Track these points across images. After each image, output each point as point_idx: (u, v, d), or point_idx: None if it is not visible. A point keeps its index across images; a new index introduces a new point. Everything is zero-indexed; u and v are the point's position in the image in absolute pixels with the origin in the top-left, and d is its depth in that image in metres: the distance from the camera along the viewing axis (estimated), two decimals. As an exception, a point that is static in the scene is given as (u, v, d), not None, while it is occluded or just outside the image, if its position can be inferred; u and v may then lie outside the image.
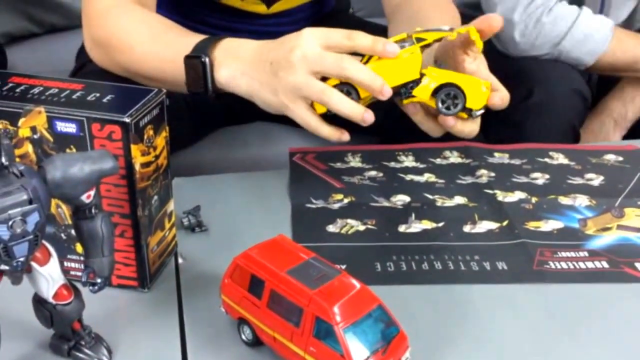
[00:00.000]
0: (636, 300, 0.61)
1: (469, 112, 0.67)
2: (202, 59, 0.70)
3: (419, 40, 0.66)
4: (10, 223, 0.42)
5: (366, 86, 0.64)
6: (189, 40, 0.72)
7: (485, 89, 0.67)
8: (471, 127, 0.70)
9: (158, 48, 0.75)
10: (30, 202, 0.43)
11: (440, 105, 0.66)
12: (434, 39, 0.67)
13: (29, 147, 0.56)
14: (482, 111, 0.68)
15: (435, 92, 0.66)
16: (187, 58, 0.71)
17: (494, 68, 1.04)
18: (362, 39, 0.64)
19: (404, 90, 0.67)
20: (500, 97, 0.69)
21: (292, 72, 0.64)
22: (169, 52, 0.73)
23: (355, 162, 0.84)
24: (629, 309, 0.61)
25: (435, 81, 0.66)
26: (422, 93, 0.67)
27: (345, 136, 0.68)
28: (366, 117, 0.65)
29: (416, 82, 0.67)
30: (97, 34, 0.79)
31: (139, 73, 0.76)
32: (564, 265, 0.65)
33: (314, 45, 0.64)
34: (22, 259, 0.44)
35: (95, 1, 0.79)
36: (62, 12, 1.48)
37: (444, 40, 0.69)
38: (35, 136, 0.55)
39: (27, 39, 1.46)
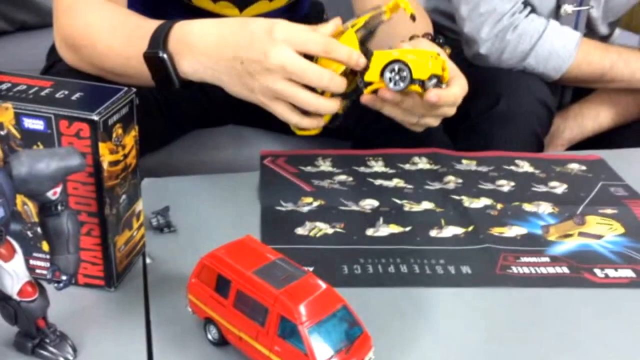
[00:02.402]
0: (594, 305, 0.63)
1: (421, 84, 0.68)
2: (160, 55, 0.69)
3: (352, 26, 0.69)
4: (-26, 218, 0.42)
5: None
6: (146, 31, 0.71)
7: (434, 58, 0.68)
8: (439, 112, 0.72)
9: (118, 42, 0.74)
10: (-5, 197, 0.43)
11: (388, 82, 0.68)
12: (364, 20, 0.69)
13: (-5, 144, 0.55)
14: (433, 81, 0.68)
15: (382, 73, 0.68)
16: (147, 55, 0.70)
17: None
18: (338, 53, 0.65)
19: (359, 80, 0.69)
20: (460, 85, 0.72)
21: (270, 78, 0.64)
22: (130, 48, 0.72)
23: (325, 166, 0.85)
24: (587, 313, 0.62)
25: (380, 61, 0.68)
26: (372, 76, 0.69)
27: (321, 122, 0.69)
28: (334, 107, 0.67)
29: (365, 69, 0.69)
30: (64, 31, 0.79)
31: (106, 69, 0.76)
32: (526, 270, 0.67)
33: (290, 54, 0.63)
34: (-15, 255, 0.44)
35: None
36: (34, 10, 1.47)
37: (384, 24, 0.72)
38: (1, 132, 0.55)
39: (-2, 36, 1.45)
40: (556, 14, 1.07)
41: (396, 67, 0.67)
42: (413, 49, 0.70)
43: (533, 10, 1.06)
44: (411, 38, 0.80)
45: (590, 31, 1.13)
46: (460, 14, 1.07)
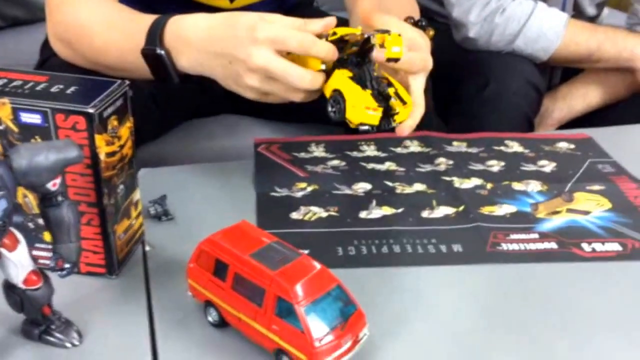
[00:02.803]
0: (582, 278, 0.65)
1: (354, 124, 0.65)
2: (157, 52, 0.70)
3: (333, 34, 0.66)
4: (-22, 210, 0.43)
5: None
6: (141, 25, 0.71)
7: (373, 112, 0.64)
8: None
9: (114, 38, 0.75)
10: (-3, 189, 0.44)
11: (329, 107, 0.66)
12: (341, 34, 0.66)
13: (-6, 138, 0.57)
14: (365, 127, 0.64)
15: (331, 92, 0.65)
16: (144, 52, 0.71)
17: (450, 61, 1.08)
18: (317, 50, 0.64)
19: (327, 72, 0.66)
20: (410, 122, 0.68)
21: (255, 77, 0.65)
22: (126, 43, 0.73)
23: (318, 151, 0.87)
24: (575, 286, 0.64)
25: (335, 84, 0.65)
26: (328, 87, 0.66)
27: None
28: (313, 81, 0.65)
29: (333, 69, 0.65)
30: (58, 27, 0.80)
31: (102, 64, 0.77)
32: (515, 246, 0.69)
33: (270, 56, 0.63)
34: (-10, 245, 0.46)
35: None
36: (25, 6, 1.47)
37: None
38: (0, 127, 0.56)
39: (-10, 32, 1.46)
40: None
41: (337, 98, 0.65)
42: (360, 89, 0.64)
43: None
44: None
45: (578, 12, 1.15)
46: None
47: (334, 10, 1.26)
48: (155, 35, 0.70)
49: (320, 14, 1.18)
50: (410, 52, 0.68)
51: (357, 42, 0.65)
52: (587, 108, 1.13)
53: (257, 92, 0.67)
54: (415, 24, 0.75)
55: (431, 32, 0.75)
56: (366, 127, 0.64)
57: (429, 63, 0.71)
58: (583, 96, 1.13)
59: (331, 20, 0.66)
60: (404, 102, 0.67)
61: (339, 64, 0.66)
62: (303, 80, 0.63)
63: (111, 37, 0.75)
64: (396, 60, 0.66)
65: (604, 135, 0.92)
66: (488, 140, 0.90)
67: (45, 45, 1.00)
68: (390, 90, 0.67)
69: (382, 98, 0.65)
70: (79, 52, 0.79)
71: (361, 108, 0.63)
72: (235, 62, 0.65)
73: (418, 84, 0.70)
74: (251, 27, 0.64)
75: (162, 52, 0.70)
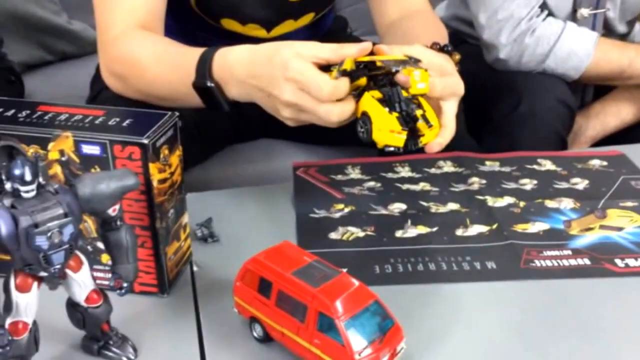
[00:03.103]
0: (615, 293, 0.67)
1: (380, 146, 0.67)
2: (208, 84, 0.74)
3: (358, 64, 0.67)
4: (49, 234, 0.48)
5: None
6: (189, 59, 0.76)
7: (398, 135, 0.66)
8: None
9: (165, 70, 0.79)
10: (65, 215, 0.49)
11: (358, 127, 0.68)
12: (370, 59, 0.68)
13: (57, 169, 0.62)
14: (391, 149, 0.67)
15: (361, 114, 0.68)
16: (196, 85, 0.75)
17: (482, 81, 1.10)
18: (334, 95, 0.66)
19: (357, 94, 0.68)
20: (440, 140, 0.70)
21: (289, 111, 0.69)
22: (176, 75, 0.78)
23: (355, 174, 0.90)
24: (608, 301, 0.66)
25: (363, 106, 0.67)
26: (357, 111, 0.68)
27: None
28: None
29: (362, 92, 0.68)
30: (111, 62, 0.85)
31: (153, 95, 0.82)
32: (548, 263, 0.71)
33: (295, 93, 0.66)
34: (58, 266, 0.50)
35: (107, 31, 0.85)
36: (73, 41, 1.55)
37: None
38: (63, 158, 0.61)
39: (41, 67, 1.54)
40: (573, 18, 1.11)
41: (365, 121, 0.67)
42: (386, 113, 0.66)
43: (550, 14, 1.09)
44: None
45: (609, 31, 1.16)
46: (479, 21, 1.11)
47: (367, 34, 1.30)
48: (204, 69, 0.74)
49: (353, 39, 1.22)
50: (440, 78, 0.71)
51: (380, 73, 0.67)
52: (620, 125, 1.14)
53: (294, 122, 0.71)
54: (442, 49, 0.77)
55: (457, 57, 0.77)
56: (391, 149, 0.67)
57: (459, 88, 0.73)
58: (616, 113, 1.13)
59: (366, 45, 0.68)
60: (430, 124, 0.69)
61: (370, 84, 0.69)
62: (331, 115, 0.66)
63: (162, 70, 0.80)
64: (422, 95, 0.69)
65: (636, 152, 0.93)
66: (521, 159, 0.92)
67: (96, 79, 1.06)
68: (418, 113, 0.68)
69: (409, 119, 0.67)
70: (131, 85, 0.84)
71: (386, 131, 0.66)
72: (271, 96, 0.69)
73: (449, 107, 0.72)
74: (284, 65, 0.67)
75: (212, 84, 0.74)
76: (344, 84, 0.66)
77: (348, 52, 0.68)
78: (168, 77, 0.79)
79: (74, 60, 1.56)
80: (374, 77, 0.69)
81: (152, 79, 0.81)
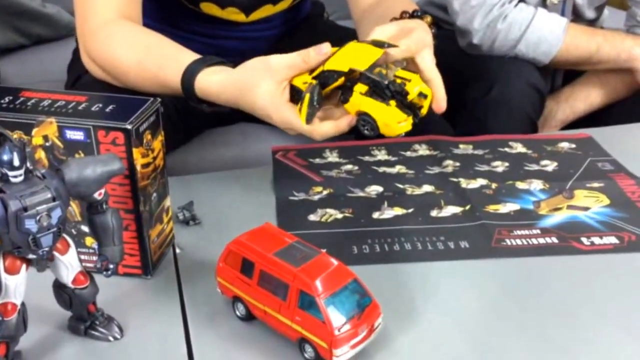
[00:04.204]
0: (581, 270, 0.70)
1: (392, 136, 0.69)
2: (196, 104, 0.78)
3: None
4: (38, 217, 0.49)
5: None
6: (171, 77, 0.77)
7: (405, 122, 0.67)
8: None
9: (148, 83, 0.81)
10: (53, 199, 0.50)
11: (360, 127, 0.69)
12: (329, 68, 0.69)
13: (41, 154, 0.63)
14: (402, 135, 0.68)
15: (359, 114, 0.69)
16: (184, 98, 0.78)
17: (455, 66, 1.13)
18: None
19: (343, 98, 0.70)
20: (438, 96, 0.72)
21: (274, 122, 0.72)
22: (159, 88, 0.80)
23: (332, 157, 0.92)
24: (575, 277, 0.69)
25: (358, 107, 0.68)
26: (351, 109, 0.69)
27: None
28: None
29: (349, 93, 0.69)
30: (92, 53, 0.86)
31: (138, 91, 0.83)
32: (519, 242, 0.74)
33: (281, 125, 0.71)
34: (47, 249, 0.52)
35: (88, 20, 0.85)
36: (48, 24, 1.54)
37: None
38: (47, 144, 0.62)
39: (16, 50, 1.52)
40: (543, 4, 1.13)
41: (367, 120, 0.68)
42: (385, 106, 0.67)
43: (521, 0, 1.12)
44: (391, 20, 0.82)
45: (577, 16, 1.19)
46: (452, 7, 1.13)
47: (343, 19, 1.31)
48: (189, 92, 0.77)
49: (329, 25, 1.24)
50: (407, 38, 0.72)
51: (340, 78, 0.68)
52: (589, 109, 1.17)
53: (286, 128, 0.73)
54: (412, 15, 0.78)
55: (428, 19, 0.77)
56: (402, 135, 0.68)
57: (427, 38, 0.74)
58: (585, 97, 1.17)
59: (325, 47, 0.70)
60: (424, 96, 0.69)
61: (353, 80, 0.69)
62: (314, 135, 0.70)
63: (144, 80, 0.81)
64: (425, 97, 0.70)
65: (603, 135, 0.96)
66: (493, 142, 0.95)
67: (73, 63, 1.06)
68: (409, 88, 0.68)
69: (405, 101, 0.68)
70: (114, 79, 0.85)
71: (394, 124, 0.67)
72: (257, 114, 0.74)
73: (426, 61, 0.73)
74: (267, 115, 0.72)
75: (204, 105, 0.78)
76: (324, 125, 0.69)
77: (312, 59, 0.69)
78: (152, 88, 0.81)
79: (50, 43, 1.54)
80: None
81: (134, 84, 0.83)
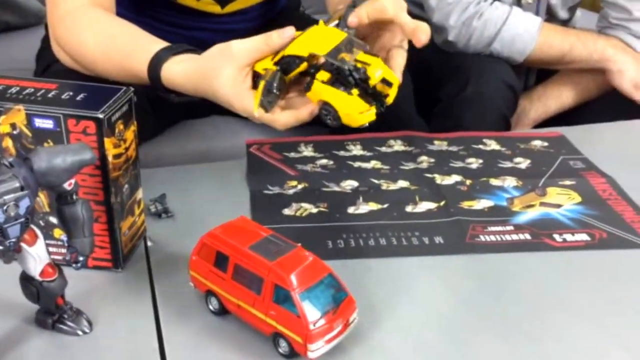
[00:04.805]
0: (553, 266, 0.71)
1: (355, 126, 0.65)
2: (164, 94, 0.76)
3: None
4: (5, 207, 0.48)
5: None
6: (138, 66, 0.75)
7: (368, 112, 0.64)
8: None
9: (115, 71, 0.79)
10: (22, 188, 0.48)
11: (323, 116, 0.66)
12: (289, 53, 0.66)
13: (9, 142, 0.61)
14: (366, 125, 0.65)
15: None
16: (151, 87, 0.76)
17: (431, 63, 1.13)
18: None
19: (306, 86, 0.67)
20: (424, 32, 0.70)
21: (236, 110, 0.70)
22: (127, 77, 0.78)
23: (307, 151, 0.91)
24: (547, 273, 0.70)
25: (319, 96, 0.65)
26: (313, 98, 0.66)
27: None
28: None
29: (311, 81, 0.66)
30: (61, 40, 0.84)
31: (109, 81, 0.81)
32: (492, 238, 0.74)
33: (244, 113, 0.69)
34: (14, 239, 0.50)
35: (58, 5, 0.83)
36: (16, 11, 1.50)
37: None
38: (14, 132, 0.60)
39: (-19, 37, 1.48)
40: (518, 3, 1.14)
41: (329, 109, 0.65)
42: (347, 95, 0.64)
43: None
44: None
45: (551, 16, 1.21)
46: (429, 4, 1.13)
47: (319, 13, 1.31)
48: (156, 82, 0.75)
49: (305, 19, 1.23)
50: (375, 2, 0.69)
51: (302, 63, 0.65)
52: (561, 107, 1.19)
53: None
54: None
55: None
56: (366, 125, 0.65)
57: (401, 2, 0.71)
58: (557, 96, 1.18)
59: (288, 30, 0.67)
60: (390, 84, 0.66)
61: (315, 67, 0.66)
62: (275, 125, 0.67)
63: (111, 69, 0.79)
64: (390, 85, 0.66)
65: (575, 134, 0.98)
66: (467, 139, 0.96)
67: (43, 52, 1.03)
68: (370, 73, 0.64)
69: (369, 89, 0.65)
70: (82, 66, 0.83)
71: (355, 114, 0.64)
72: (222, 102, 0.71)
73: (402, 16, 0.70)
74: (228, 103, 0.69)
75: (172, 95, 0.76)
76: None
77: (275, 42, 0.67)
78: (120, 77, 0.79)
79: (18, 31, 1.50)
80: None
81: (103, 72, 0.81)
